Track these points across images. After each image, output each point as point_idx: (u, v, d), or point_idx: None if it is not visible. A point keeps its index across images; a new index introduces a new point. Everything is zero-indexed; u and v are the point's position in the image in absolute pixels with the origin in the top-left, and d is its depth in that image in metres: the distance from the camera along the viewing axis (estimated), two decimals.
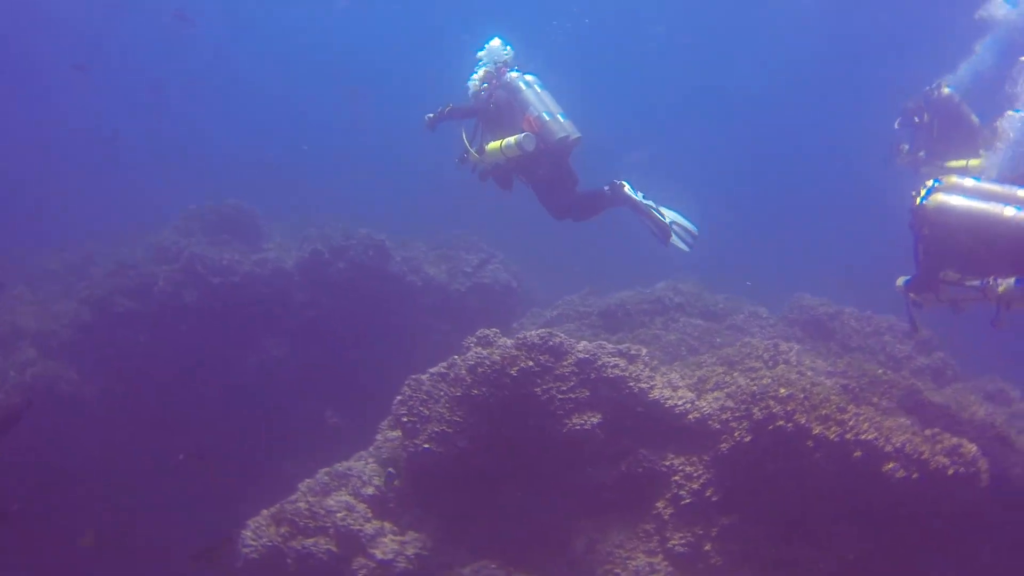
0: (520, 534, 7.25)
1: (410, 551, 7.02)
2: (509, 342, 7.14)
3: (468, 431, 6.87)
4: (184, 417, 12.43)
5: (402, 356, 10.81)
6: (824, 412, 6.45)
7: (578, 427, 6.85)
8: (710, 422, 6.94)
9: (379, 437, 8.27)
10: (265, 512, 7.28)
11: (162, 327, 12.57)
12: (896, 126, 9.65)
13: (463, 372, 6.95)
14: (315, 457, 8.36)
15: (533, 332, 7.10)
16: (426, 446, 7.00)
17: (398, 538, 7.18)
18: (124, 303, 12.62)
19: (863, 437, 6.24)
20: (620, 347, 7.53)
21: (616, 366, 7.05)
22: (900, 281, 7.05)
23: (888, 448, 6.21)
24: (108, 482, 11.84)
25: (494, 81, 7.93)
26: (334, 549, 6.86)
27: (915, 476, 6.13)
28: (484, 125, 7.92)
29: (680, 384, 7.40)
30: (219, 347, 12.72)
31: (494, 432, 6.97)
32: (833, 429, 6.32)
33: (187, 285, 12.64)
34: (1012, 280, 5.88)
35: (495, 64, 8.00)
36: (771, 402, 6.55)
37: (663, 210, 7.68)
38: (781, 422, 6.43)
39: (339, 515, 7.04)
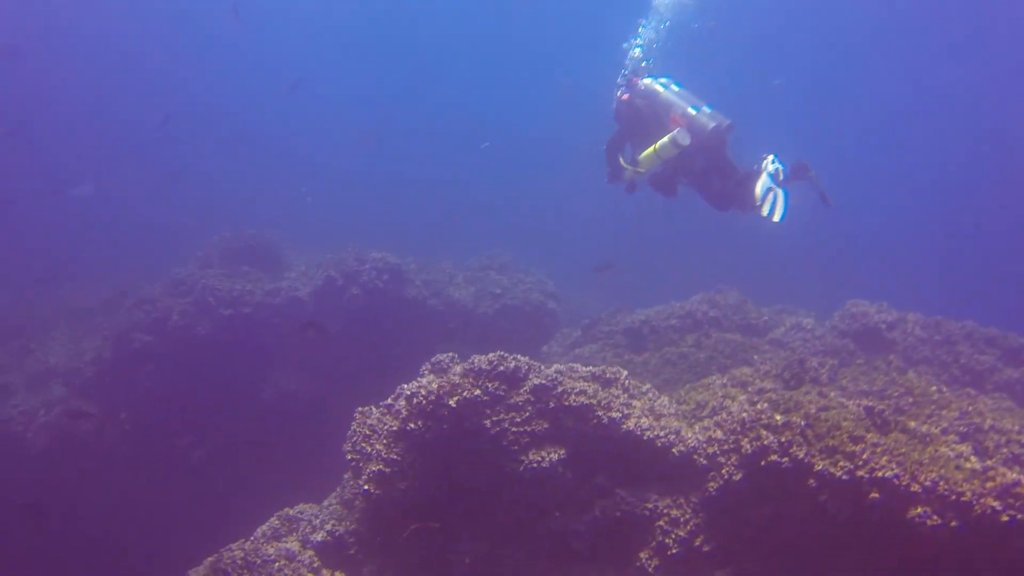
0: None
1: None
2: (459, 368, 6.30)
3: (407, 471, 6.07)
4: (194, 456, 12.24)
5: None
6: (830, 443, 5.24)
7: (535, 464, 5.91)
8: (696, 456, 5.83)
9: (346, 476, 7.58)
10: (207, 560, 6.69)
11: (177, 362, 12.49)
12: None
13: (401, 403, 6.17)
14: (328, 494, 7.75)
15: (482, 357, 6.25)
16: (366, 487, 6.25)
17: None
18: (142, 338, 12.64)
19: (880, 474, 4.99)
20: (594, 370, 6.56)
21: (582, 392, 6.08)
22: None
23: (915, 487, 4.94)
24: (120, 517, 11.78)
25: (628, 95, 8.01)
26: None
27: (953, 524, 4.82)
28: (632, 139, 7.98)
29: (667, 411, 6.32)
30: (232, 380, 12.52)
31: (439, 472, 6.12)
32: (841, 464, 5.10)
33: (200, 317, 12.53)
34: None
35: (624, 77, 8.13)
36: (763, 432, 5.40)
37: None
38: (774, 456, 5.28)
39: (276, 564, 6.36)
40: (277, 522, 7.00)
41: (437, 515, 6.38)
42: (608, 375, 6.50)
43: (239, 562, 6.39)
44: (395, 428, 6.09)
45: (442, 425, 5.93)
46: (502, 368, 6.13)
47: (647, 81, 7.95)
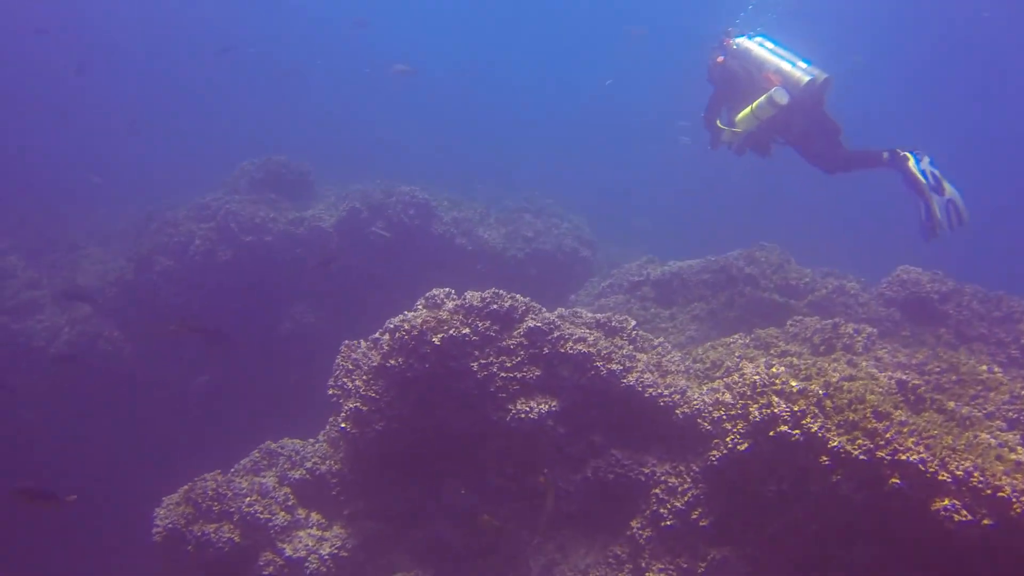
0: (465, 545, 5.99)
1: (326, 550, 5.97)
2: (451, 304, 5.82)
3: (385, 410, 5.67)
4: (211, 382, 12.19)
5: None
6: (851, 417, 4.62)
7: (523, 415, 5.45)
8: (700, 420, 5.27)
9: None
10: (182, 488, 6.46)
11: (197, 286, 12.37)
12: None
13: (384, 337, 5.74)
14: None
15: (475, 293, 5.76)
16: (343, 425, 5.89)
17: (319, 533, 6.15)
18: (164, 261, 12.54)
19: (903, 457, 4.37)
20: (599, 316, 6.01)
21: (581, 339, 5.54)
22: None
23: (943, 476, 4.31)
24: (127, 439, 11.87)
25: (722, 57, 7.82)
26: (236, 539, 5.92)
27: (986, 521, 4.20)
28: (729, 100, 7.77)
29: (676, 368, 5.75)
30: (251, 309, 12.35)
31: (421, 414, 5.71)
32: (860, 442, 4.49)
33: (221, 243, 12.34)
34: None
35: (718, 40, 7.90)
36: (774, 399, 4.80)
37: (946, 187, 6.72)
38: (785, 427, 4.68)
39: (247, 500, 6.10)
40: (258, 455, 6.73)
41: (421, 460, 6.01)
42: (614, 323, 5.95)
43: (210, 493, 6.14)
44: (376, 364, 5.68)
45: (424, 364, 5.49)
46: (495, 307, 5.63)
47: (740, 40, 7.70)
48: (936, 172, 6.73)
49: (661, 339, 6.22)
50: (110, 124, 24.40)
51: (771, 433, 4.75)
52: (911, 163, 6.80)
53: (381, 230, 12.10)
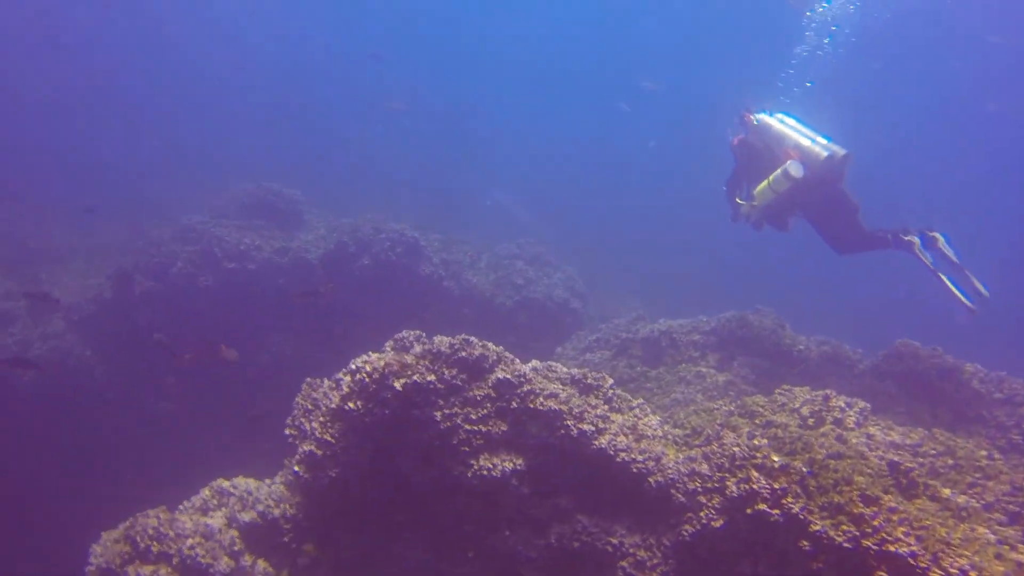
0: None
1: None
2: (419, 348, 5.50)
3: (339, 456, 5.31)
4: (182, 409, 11.79)
5: None
6: (836, 499, 4.27)
7: (485, 472, 5.08)
8: (674, 490, 4.91)
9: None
10: (122, 524, 6.05)
11: (176, 309, 12.06)
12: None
13: (346, 378, 5.41)
14: None
15: (443, 338, 5.45)
16: (296, 468, 5.52)
17: None
18: (144, 282, 12.27)
19: (892, 548, 4.01)
20: (575, 372, 5.69)
21: (552, 395, 5.21)
22: None
23: (935, 573, 3.94)
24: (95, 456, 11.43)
25: (742, 134, 8.03)
26: None
27: None
28: (748, 175, 7.93)
29: (652, 433, 5.40)
30: (231, 336, 11.95)
31: (379, 462, 5.35)
32: (844, 528, 4.14)
33: (204, 268, 12.08)
34: None
35: (739, 116, 8.08)
36: (753, 473, 4.46)
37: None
38: (763, 505, 4.33)
39: (190, 541, 5.68)
40: (208, 493, 6.30)
41: (377, 510, 5.62)
42: (590, 380, 5.62)
43: (150, 532, 5.72)
44: (334, 406, 5.33)
45: (384, 409, 5.14)
46: (464, 354, 5.31)
47: (761, 116, 7.85)
48: (949, 252, 6.92)
49: (640, 400, 5.88)
50: (113, 130, 24.38)
51: (748, 511, 4.39)
52: (916, 248, 6.95)
53: (367, 264, 11.83)
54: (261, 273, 12.11)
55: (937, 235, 7.09)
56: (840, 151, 7.18)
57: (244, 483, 6.43)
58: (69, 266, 14.85)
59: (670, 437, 5.75)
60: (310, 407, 5.79)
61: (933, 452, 5.62)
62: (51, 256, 15.01)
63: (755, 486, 4.36)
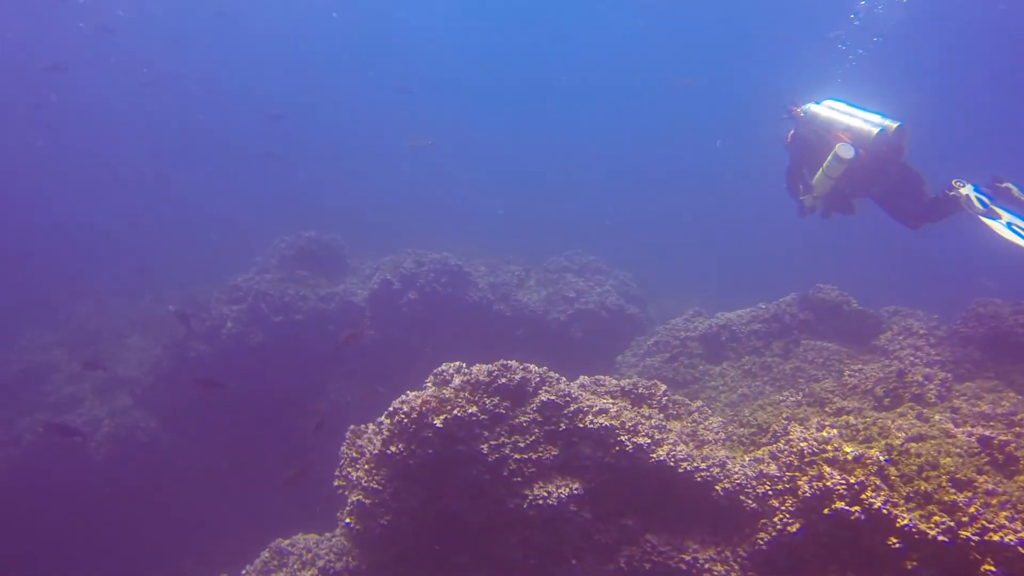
0: None
1: None
2: (458, 380, 5.32)
3: (390, 503, 5.14)
4: (246, 469, 11.90)
5: None
6: (922, 487, 3.90)
7: (541, 501, 4.85)
8: (743, 496, 4.58)
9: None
10: None
11: (232, 370, 12.21)
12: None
13: (385, 421, 5.26)
14: None
15: (482, 367, 5.27)
16: (347, 520, 5.38)
17: None
18: (198, 348, 12.49)
19: (996, 537, 3.61)
20: (624, 383, 5.42)
21: (602, 411, 4.96)
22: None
23: None
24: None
25: (793, 130, 8.01)
26: None
27: None
28: (807, 167, 7.92)
29: (713, 437, 5.08)
30: (287, 390, 12.08)
31: (428, 504, 5.16)
32: (936, 519, 3.76)
33: (252, 325, 12.21)
34: None
35: (786, 111, 8.05)
36: (826, 469, 4.11)
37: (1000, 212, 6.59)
38: (841, 503, 3.98)
39: None
40: (268, 555, 6.27)
41: (436, 554, 5.44)
42: (641, 390, 5.34)
43: None
44: (377, 451, 5.19)
45: (427, 449, 4.97)
46: (504, 380, 5.11)
47: (807, 106, 7.79)
48: (985, 199, 6.61)
49: (700, 403, 5.57)
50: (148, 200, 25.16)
51: (825, 511, 4.04)
52: (975, 201, 6.64)
53: (414, 299, 11.77)
54: (309, 322, 12.17)
55: (1010, 185, 6.66)
56: (892, 124, 7.00)
57: (303, 540, 6.37)
58: (128, 341, 15.26)
59: (736, 438, 5.42)
60: (355, 455, 5.66)
61: None
62: (111, 333, 15.46)
63: (829, 483, 4.02)
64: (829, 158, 7.16)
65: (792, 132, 8.00)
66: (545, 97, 42.59)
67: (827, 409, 5.43)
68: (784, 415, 5.32)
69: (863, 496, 3.89)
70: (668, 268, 20.22)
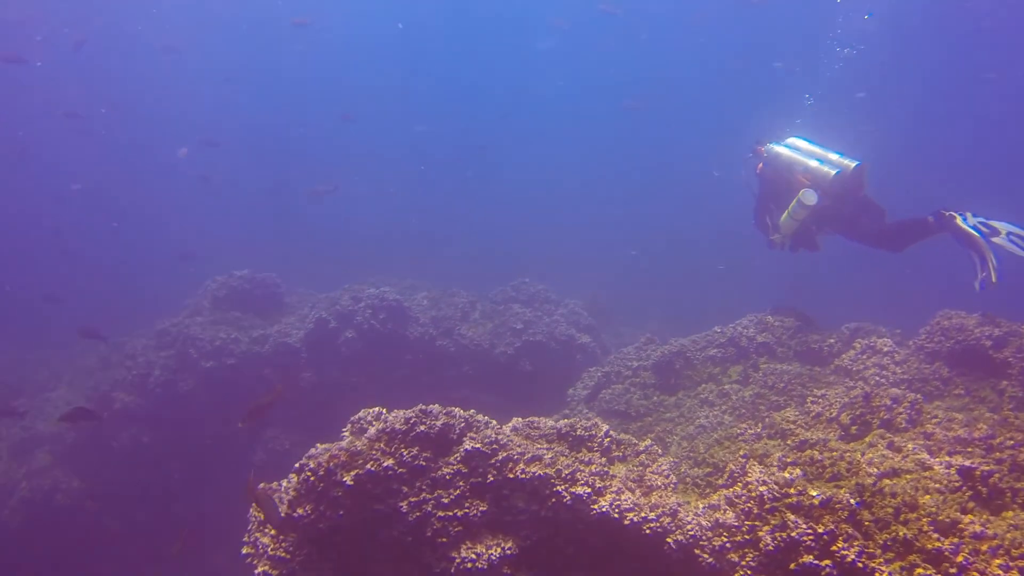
0: None
1: None
2: (374, 429, 4.68)
3: (299, 573, 4.45)
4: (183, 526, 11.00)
5: None
6: (902, 533, 3.36)
7: (470, 564, 4.20)
8: (698, 551, 3.99)
9: None
10: None
11: (161, 420, 11.37)
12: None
13: (292, 479, 4.59)
14: None
15: (398, 413, 4.65)
16: None
17: None
18: (123, 398, 11.61)
19: None
20: (562, 425, 4.83)
21: (535, 459, 4.36)
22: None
23: None
24: None
25: (759, 165, 8.20)
26: None
27: None
28: (774, 204, 8.14)
29: (662, 482, 4.50)
30: (220, 439, 11.25)
31: (343, 573, 4.48)
32: (919, 571, 3.21)
33: (182, 372, 11.40)
34: None
35: (751, 150, 8.31)
36: (789, 516, 3.55)
37: (998, 226, 6.69)
38: (809, 556, 3.42)
39: None
40: None
41: None
42: (580, 431, 4.76)
43: None
44: (283, 514, 4.51)
45: (337, 510, 4.31)
46: (423, 428, 4.49)
47: (770, 146, 8.03)
48: (983, 221, 6.70)
49: (648, 441, 5.00)
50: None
51: (792, 566, 3.48)
52: (959, 221, 6.77)
53: (351, 338, 11.09)
54: (243, 366, 11.38)
55: (967, 213, 6.87)
56: (851, 164, 7.27)
57: None
58: (52, 395, 14.24)
59: (689, 480, 4.86)
60: (263, 518, 4.96)
61: (1011, 442, 4.65)
62: (34, 386, 14.45)
63: (794, 533, 3.46)
64: (793, 203, 7.44)
65: (761, 165, 8.18)
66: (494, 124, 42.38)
67: (788, 442, 4.91)
68: (741, 452, 4.78)
69: (834, 548, 3.34)
70: (625, 293, 19.80)
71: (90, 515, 11.43)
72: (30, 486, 11.57)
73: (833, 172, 7.28)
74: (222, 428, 11.31)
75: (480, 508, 4.33)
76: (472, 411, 4.81)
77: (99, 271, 24.77)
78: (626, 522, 4.18)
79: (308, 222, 28.51)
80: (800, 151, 7.74)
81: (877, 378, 6.97)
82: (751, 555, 3.69)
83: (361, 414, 5.12)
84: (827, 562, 3.35)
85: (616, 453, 4.75)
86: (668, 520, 4.16)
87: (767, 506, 3.70)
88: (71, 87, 28.79)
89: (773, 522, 3.62)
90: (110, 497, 11.50)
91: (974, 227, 6.66)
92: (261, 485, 5.34)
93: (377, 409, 5.16)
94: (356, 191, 30.13)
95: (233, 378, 11.41)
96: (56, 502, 11.44)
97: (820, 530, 3.41)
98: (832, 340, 8.27)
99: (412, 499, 4.35)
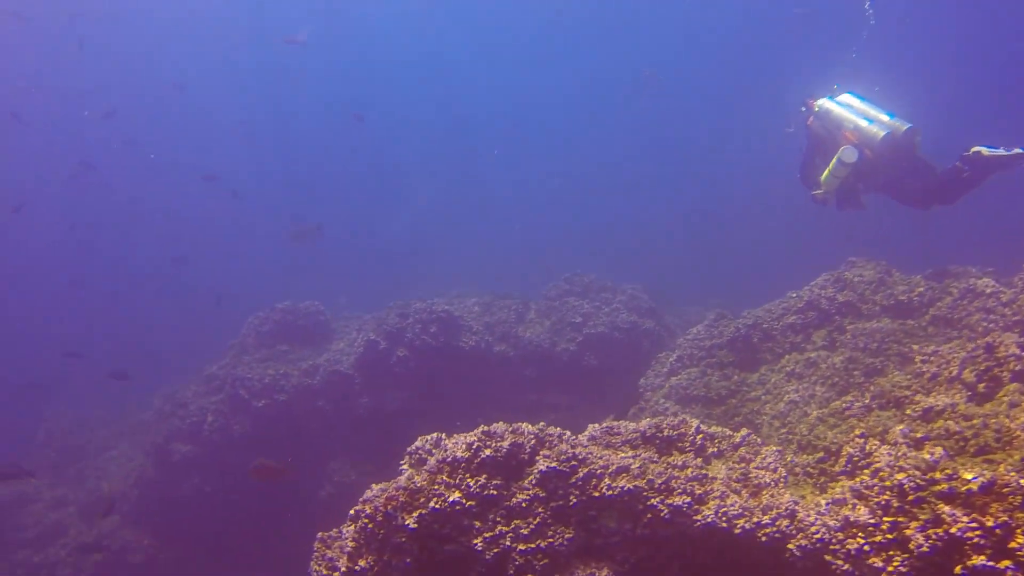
0: None
1: None
2: (434, 460, 4.18)
3: None
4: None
5: None
6: None
7: None
8: (829, 557, 3.40)
9: None
10: None
11: (220, 466, 11.11)
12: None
13: (349, 528, 4.13)
14: None
15: (459, 439, 4.15)
16: None
17: None
18: (181, 448, 11.40)
19: None
20: (645, 426, 4.27)
21: (621, 471, 3.81)
22: None
23: None
24: None
25: (810, 119, 8.08)
26: None
27: None
28: (820, 160, 8.00)
29: (770, 477, 3.91)
30: (283, 480, 10.93)
31: None
32: None
33: (234, 415, 11.13)
34: None
35: (804, 103, 8.18)
36: (943, 507, 2.93)
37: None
38: (980, 557, 2.81)
39: None
40: None
41: None
42: (667, 431, 4.19)
43: None
44: (344, 570, 4.05)
45: (404, 558, 3.82)
46: (489, 452, 3.97)
47: (822, 101, 7.87)
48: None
49: (745, 430, 4.40)
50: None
51: (958, 570, 2.86)
52: (984, 151, 6.68)
53: (404, 356, 10.68)
54: (295, 401, 11.06)
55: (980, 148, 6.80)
56: (901, 127, 7.05)
57: None
58: (114, 452, 14.20)
59: (799, 470, 4.25)
60: (325, 572, 4.51)
61: None
62: (96, 447, 14.42)
63: (953, 529, 2.84)
64: (834, 161, 7.34)
65: (811, 119, 8.00)
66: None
67: (908, 412, 4.26)
68: (857, 431, 4.15)
69: (1012, 545, 2.71)
70: (680, 274, 19.09)
71: (162, 569, 11.26)
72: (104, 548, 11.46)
73: (882, 133, 7.11)
74: (282, 464, 11.01)
75: (566, 535, 3.80)
76: (541, 424, 4.28)
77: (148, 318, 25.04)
78: (737, 531, 3.61)
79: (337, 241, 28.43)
80: (852, 109, 7.54)
81: (985, 324, 6.23)
82: (899, 558, 3.08)
83: (418, 443, 4.64)
84: (1007, 563, 2.73)
85: (711, 450, 4.17)
86: (786, 523, 3.58)
87: (910, 497, 3.08)
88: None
89: (923, 516, 3.00)
90: (181, 549, 11.31)
91: (995, 148, 6.64)
92: (320, 535, 4.90)
93: (435, 435, 4.67)
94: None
95: (288, 413, 11.09)
96: (129, 562, 11.30)
97: (989, 523, 2.79)
98: (921, 288, 7.52)
99: (487, 535, 3.83)
